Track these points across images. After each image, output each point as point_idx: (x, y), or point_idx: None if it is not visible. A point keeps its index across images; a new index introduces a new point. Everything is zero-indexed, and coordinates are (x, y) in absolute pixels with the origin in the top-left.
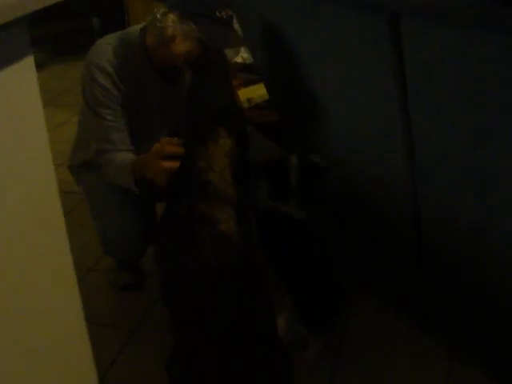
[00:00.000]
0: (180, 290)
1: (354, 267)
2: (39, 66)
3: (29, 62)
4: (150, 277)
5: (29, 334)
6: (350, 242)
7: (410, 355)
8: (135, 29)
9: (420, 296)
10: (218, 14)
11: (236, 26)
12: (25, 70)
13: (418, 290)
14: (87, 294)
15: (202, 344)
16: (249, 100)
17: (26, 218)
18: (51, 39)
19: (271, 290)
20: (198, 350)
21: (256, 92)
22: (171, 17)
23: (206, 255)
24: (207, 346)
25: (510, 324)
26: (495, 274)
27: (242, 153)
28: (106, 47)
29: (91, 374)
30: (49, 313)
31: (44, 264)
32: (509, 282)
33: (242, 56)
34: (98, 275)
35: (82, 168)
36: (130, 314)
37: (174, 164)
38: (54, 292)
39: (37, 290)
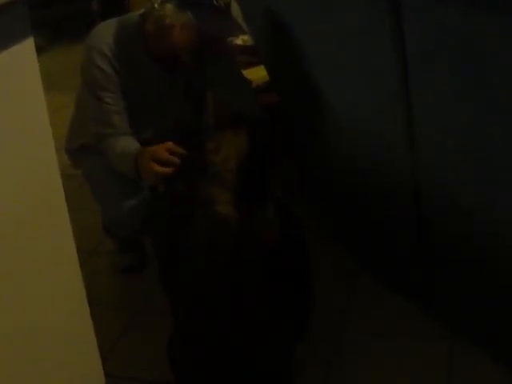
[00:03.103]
0: (177, 270)
1: (354, 248)
2: (39, 50)
3: (29, 45)
4: (153, 258)
5: (32, 316)
6: (350, 223)
7: (411, 336)
8: (135, 14)
9: (420, 275)
10: (215, 2)
11: (234, 14)
12: (25, 53)
13: (419, 269)
14: (89, 277)
15: (201, 326)
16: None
17: (28, 201)
18: (51, 23)
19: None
20: (197, 333)
21: (257, 74)
22: (169, 6)
23: (203, 235)
24: (206, 328)
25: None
26: (496, 250)
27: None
28: (105, 31)
29: (94, 356)
30: (51, 296)
31: (46, 247)
32: (511, 258)
33: (242, 38)
34: (99, 258)
35: (80, 152)
36: (133, 296)
37: (165, 170)
38: (57, 275)
39: (39, 273)
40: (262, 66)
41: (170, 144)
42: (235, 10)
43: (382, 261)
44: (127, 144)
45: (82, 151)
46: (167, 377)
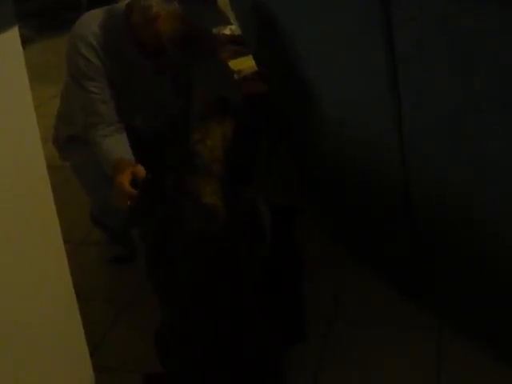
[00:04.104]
0: (165, 262)
1: (344, 238)
2: (26, 41)
3: (14, 35)
4: (142, 250)
5: (17, 309)
6: (340, 214)
7: (400, 327)
8: (122, 5)
9: (410, 265)
10: None
11: (222, 3)
12: (10, 43)
13: (409, 259)
14: (78, 268)
15: (189, 316)
16: (238, 72)
17: (13, 192)
18: (38, 14)
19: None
20: (186, 325)
21: (245, 63)
22: None
23: (189, 226)
24: (193, 318)
25: (503, 291)
26: (485, 238)
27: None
28: (91, 21)
29: (82, 348)
30: (38, 288)
31: (32, 239)
32: (500, 246)
33: (230, 28)
34: (88, 249)
35: (68, 143)
36: (122, 288)
37: (125, 203)
38: (43, 267)
39: (25, 265)
40: (250, 56)
41: (133, 172)
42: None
43: (373, 252)
44: (110, 148)
45: (70, 143)
46: (156, 368)
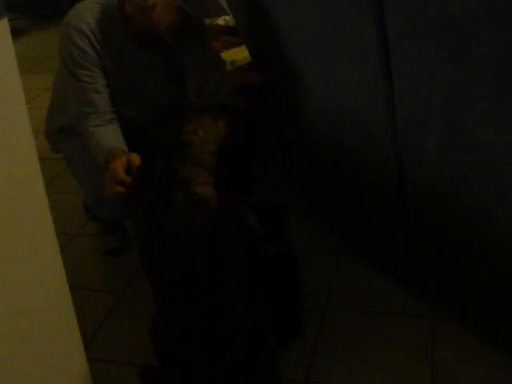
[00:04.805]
0: (158, 252)
1: (339, 225)
2: (20, 33)
3: (3, 26)
4: (135, 241)
5: (10, 300)
6: (334, 200)
7: (395, 314)
8: None
9: (405, 252)
10: None
11: None
12: None
13: (403, 245)
14: (73, 260)
15: (181, 306)
16: (232, 62)
17: (6, 186)
18: (32, 5)
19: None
20: (178, 312)
21: (239, 54)
22: None
23: (181, 216)
24: (186, 307)
25: (496, 278)
26: (480, 225)
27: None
28: (84, 10)
29: (75, 340)
30: (30, 279)
31: (25, 231)
32: (494, 234)
33: (225, 18)
34: (83, 241)
35: (60, 135)
36: (117, 279)
37: (119, 191)
38: (36, 259)
39: (18, 257)
40: (244, 46)
41: (128, 159)
42: None
43: (367, 239)
44: (104, 138)
45: (63, 135)
46: (151, 360)
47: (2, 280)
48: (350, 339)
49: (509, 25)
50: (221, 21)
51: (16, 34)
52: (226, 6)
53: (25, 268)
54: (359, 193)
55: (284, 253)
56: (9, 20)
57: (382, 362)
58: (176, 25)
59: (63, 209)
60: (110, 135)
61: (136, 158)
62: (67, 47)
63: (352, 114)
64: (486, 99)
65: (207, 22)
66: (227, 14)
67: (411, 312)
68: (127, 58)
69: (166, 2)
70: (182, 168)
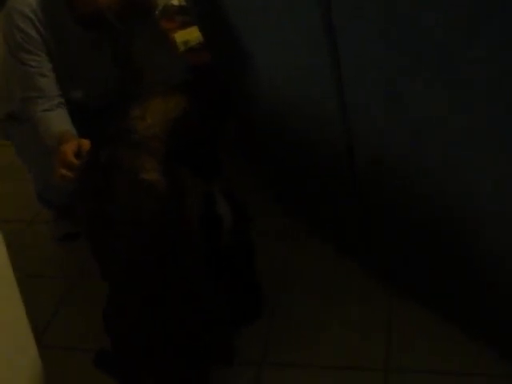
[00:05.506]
0: (105, 237)
1: (298, 208)
2: None
3: None
4: None
5: None
6: (286, 180)
7: (350, 294)
8: None
9: (358, 232)
10: None
11: None
12: None
13: (357, 227)
14: (28, 247)
15: (130, 293)
16: (185, 42)
17: None
18: None
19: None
20: (127, 299)
21: (193, 34)
22: None
23: (127, 203)
24: (134, 294)
25: (447, 255)
26: (431, 205)
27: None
28: None
29: (25, 328)
30: None
31: None
32: (445, 215)
33: None
34: (38, 227)
35: (7, 122)
36: (71, 265)
37: (68, 175)
38: None
39: None
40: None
41: (79, 144)
42: None
43: (323, 220)
44: (53, 122)
45: (10, 121)
46: (105, 346)
47: None
48: (303, 321)
49: (449, 9)
50: (174, 1)
51: None
52: None
53: None
54: (310, 168)
55: (243, 241)
56: None
57: (338, 340)
58: (120, 5)
59: (18, 196)
60: (59, 120)
61: (86, 144)
62: (10, 31)
63: (300, 88)
64: (425, 75)
65: (162, 2)
66: None
67: (367, 292)
68: (72, 41)
69: None
70: (128, 155)
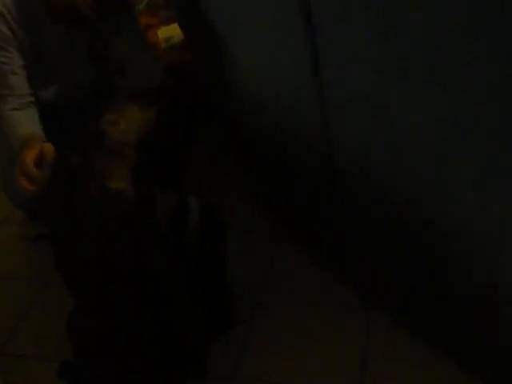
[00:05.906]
0: (70, 247)
1: (279, 211)
2: None
3: None
4: None
5: None
6: (272, 185)
7: (328, 306)
8: None
9: (336, 242)
10: None
11: None
12: None
13: (335, 235)
14: (0, 247)
15: (97, 304)
16: (167, 39)
17: None
18: None
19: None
20: (94, 310)
21: (176, 31)
22: None
23: (95, 211)
24: (102, 305)
25: (428, 266)
26: (408, 210)
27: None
28: None
29: None
30: None
31: None
32: (423, 219)
33: None
34: (10, 227)
35: None
36: (44, 266)
37: (29, 189)
38: None
39: None
40: None
41: (41, 151)
42: None
43: (300, 226)
44: (20, 123)
45: None
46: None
47: None
48: (282, 332)
49: (448, 11)
50: None
51: None
52: None
53: None
54: (290, 173)
55: (214, 250)
56: None
57: (312, 352)
58: (99, 4)
59: None
60: (26, 120)
61: (49, 149)
62: None
63: (280, 96)
64: (403, 87)
65: None
66: None
67: (345, 304)
68: (46, 37)
69: None
70: (99, 160)
